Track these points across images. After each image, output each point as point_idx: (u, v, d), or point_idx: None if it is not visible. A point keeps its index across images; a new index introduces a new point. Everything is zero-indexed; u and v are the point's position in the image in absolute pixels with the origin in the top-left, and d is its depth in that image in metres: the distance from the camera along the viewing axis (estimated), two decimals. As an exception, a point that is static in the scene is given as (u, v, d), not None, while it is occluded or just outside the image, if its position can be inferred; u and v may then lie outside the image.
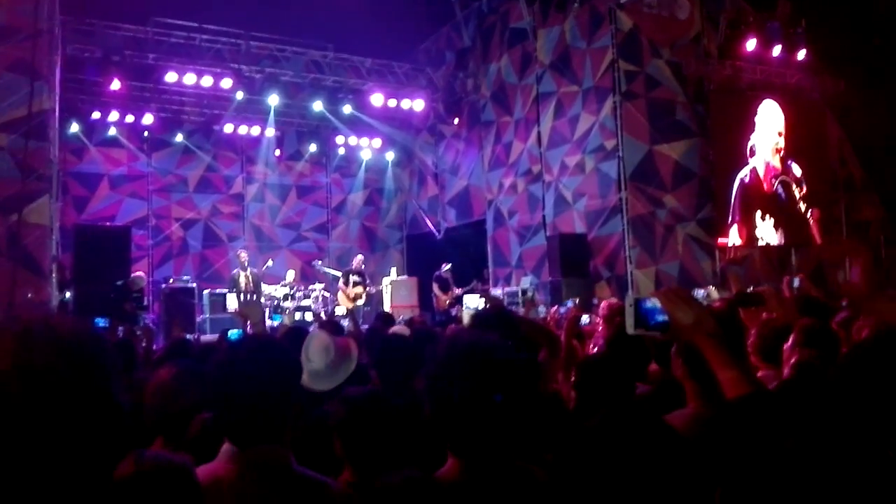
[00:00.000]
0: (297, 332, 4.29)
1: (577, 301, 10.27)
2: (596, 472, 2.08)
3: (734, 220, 13.22)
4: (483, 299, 11.31)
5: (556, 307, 7.37)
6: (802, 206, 14.10)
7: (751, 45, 13.42)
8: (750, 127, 13.66)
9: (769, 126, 13.85)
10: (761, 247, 13.53)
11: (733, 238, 13.23)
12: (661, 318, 1.70)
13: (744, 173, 13.48)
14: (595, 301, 10.59)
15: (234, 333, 6.47)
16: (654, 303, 1.70)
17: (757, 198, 13.52)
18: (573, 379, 2.89)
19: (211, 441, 1.83)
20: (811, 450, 1.44)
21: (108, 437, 0.92)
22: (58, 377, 0.87)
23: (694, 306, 1.69)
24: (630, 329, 1.72)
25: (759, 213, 13.51)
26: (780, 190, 13.88)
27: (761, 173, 13.68)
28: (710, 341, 1.66)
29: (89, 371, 0.91)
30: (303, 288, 14.02)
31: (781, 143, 13.96)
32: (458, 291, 13.70)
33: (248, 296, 12.40)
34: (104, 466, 0.94)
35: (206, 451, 1.84)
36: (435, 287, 13.84)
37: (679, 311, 1.67)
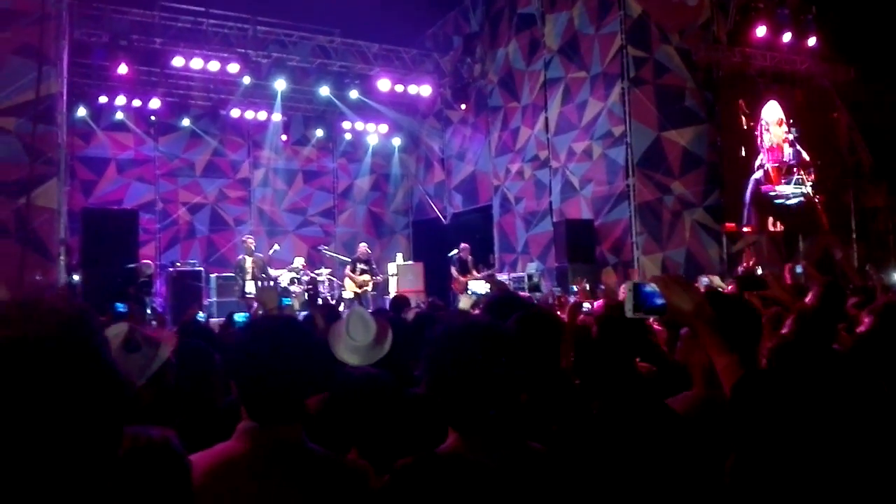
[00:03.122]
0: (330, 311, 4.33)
1: (584, 286, 10.26)
2: (598, 451, 2.11)
3: (749, 224, 13.21)
4: (488, 284, 11.25)
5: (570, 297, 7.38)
6: (811, 192, 14.03)
7: (761, 31, 13.31)
8: (758, 114, 13.57)
9: (774, 123, 13.75)
10: (768, 233, 13.47)
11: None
12: (659, 301, 1.73)
13: (759, 174, 13.42)
14: (601, 287, 10.57)
15: (240, 316, 6.51)
16: (653, 287, 1.73)
17: (769, 204, 13.49)
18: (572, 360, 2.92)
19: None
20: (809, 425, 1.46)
21: (111, 406, 0.93)
22: (55, 345, 0.88)
23: (691, 292, 1.71)
24: (629, 312, 1.76)
25: (770, 220, 13.49)
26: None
27: (773, 174, 13.63)
28: (706, 327, 1.68)
29: (84, 339, 0.92)
30: (310, 272, 14.05)
31: (787, 134, 13.88)
32: (477, 274, 13.44)
33: (266, 282, 12.44)
34: (111, 436, 0.94)
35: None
36: (453, 270, 13.67)
37: (676, 296, 1.69)
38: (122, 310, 6.43)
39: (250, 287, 12.46)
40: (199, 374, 2.64)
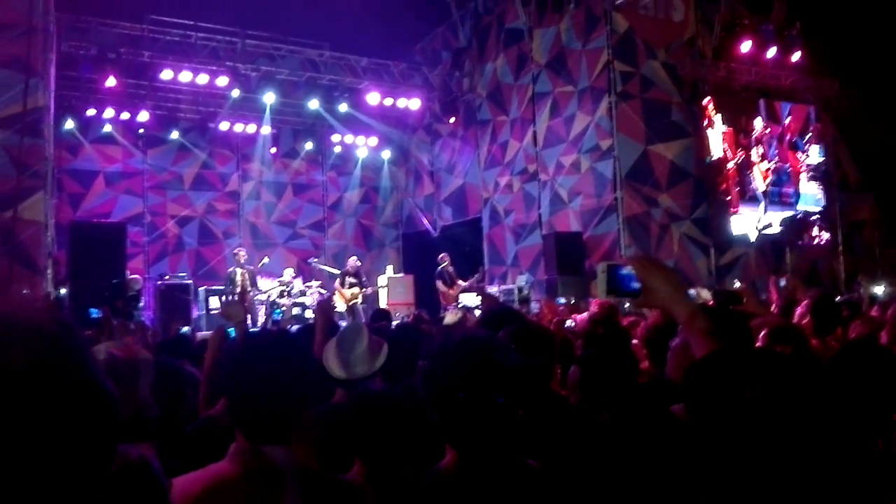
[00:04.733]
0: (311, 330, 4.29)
1: (570, 301, 10.29)
2: (608, 461, 2.11)
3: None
4: (479, 297, 11.24)
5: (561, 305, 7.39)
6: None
7: (745, 46, 13.45)
8: (750, 128, 13.64)
9: (782, 144, 13.89)
10: (755, 246, 13.51)
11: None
12: (634, 285, 1.66)
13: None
14: (590, 299, 10.60)
15: (231, 331, 6.45)
16: (628, 270, 1.67)
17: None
18: (577, 377, 2.92)
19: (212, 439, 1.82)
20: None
21: (102, 423, 0.90)
22: (42, 370, 0.83)
23: (667, 273, 1.66)
24: (602, 294, 1.71)
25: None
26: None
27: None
28: (681, 308, 1.64)
29: (72, 360, 0.87)
30: (300, 284, 13.99)
31: (803, 154, 13.98)
32: (463, 284, 13.42)
33: (230, 296, 12.28)
34: (103, 455, 0.92)
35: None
36: (439, 283, 13.67)
37: (652, 278, 1.64)
38: (96, 315, 6.35)
39: (214, 303, 12.31)
40: (168, 394, 2.62)
